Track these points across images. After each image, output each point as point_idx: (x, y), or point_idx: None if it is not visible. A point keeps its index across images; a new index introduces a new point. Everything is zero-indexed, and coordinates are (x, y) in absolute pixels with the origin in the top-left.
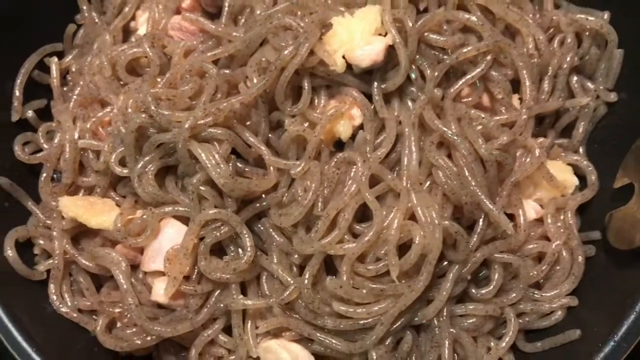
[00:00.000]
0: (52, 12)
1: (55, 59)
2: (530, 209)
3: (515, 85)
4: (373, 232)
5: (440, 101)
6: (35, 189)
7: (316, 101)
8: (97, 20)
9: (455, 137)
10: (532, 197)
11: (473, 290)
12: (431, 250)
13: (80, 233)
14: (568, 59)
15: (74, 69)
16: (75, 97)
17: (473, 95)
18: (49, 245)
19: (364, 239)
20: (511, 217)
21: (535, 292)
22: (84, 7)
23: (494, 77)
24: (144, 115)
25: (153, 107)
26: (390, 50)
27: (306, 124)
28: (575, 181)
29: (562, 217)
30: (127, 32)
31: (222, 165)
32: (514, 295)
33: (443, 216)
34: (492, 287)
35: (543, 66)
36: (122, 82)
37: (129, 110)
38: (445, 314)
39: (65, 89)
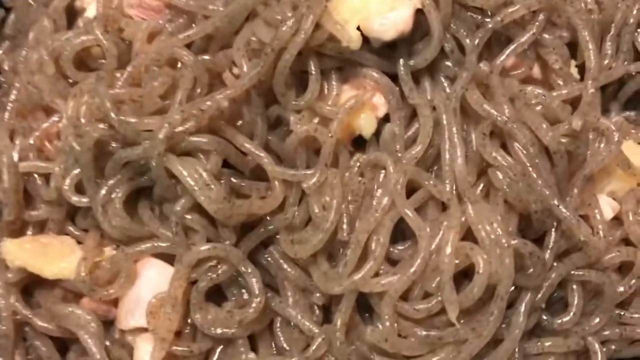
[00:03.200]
0: None
1: None
2: (605, 207)
3: (570, 49)
4: (420, 260)
5: (486, 77)
6: None
7: (326, 89)
8: (31, 1)
9: (512, 124)
10: (605, 191)
11: (546, 318)
12: (501, 281)
13: (32, 283)
14: (634, 11)
15: (6, 67)
16: (10, 104)
17: (523, 67)
18: None
19: (409, 271)
20: (583, 218)
21: (622, 312)
22: None
23: (547, 42)
24: (102, 126)
25: (113, 115)
26: (418, 15)
27: (316, 120)
28: None
29: None
30: (71, 15)
31: (212, 186)
32: (598, 320)
33: (510, 233)
34: (572, 314)
35: (605, 23)
36: (70, 81)
37: (82, 120)
38: (517, 355)
39: None
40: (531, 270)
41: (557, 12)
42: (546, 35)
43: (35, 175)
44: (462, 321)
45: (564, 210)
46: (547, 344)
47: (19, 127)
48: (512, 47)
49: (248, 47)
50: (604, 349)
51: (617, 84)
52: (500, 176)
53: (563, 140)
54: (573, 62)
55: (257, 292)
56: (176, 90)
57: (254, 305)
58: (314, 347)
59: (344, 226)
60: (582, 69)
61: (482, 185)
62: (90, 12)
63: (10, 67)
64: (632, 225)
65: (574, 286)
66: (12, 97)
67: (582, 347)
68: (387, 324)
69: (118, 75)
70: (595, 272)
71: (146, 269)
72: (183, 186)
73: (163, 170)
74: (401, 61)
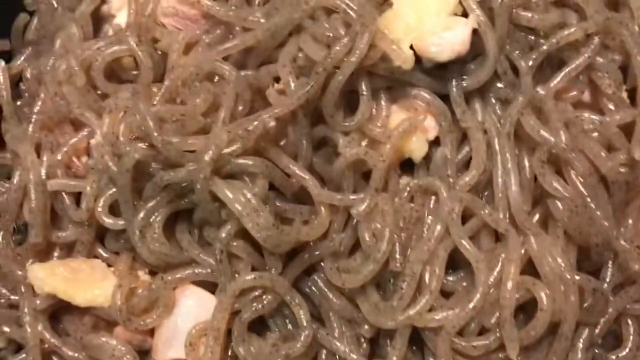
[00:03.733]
0: None
1: (1, 62)
2: None
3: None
4: (479, 295)
5: (540, 102)
6: None
7: (375, 109)
8: (55, 3)
9: (570, 153)
10: None
11: (598, 352)
12: (565, 320)
13: (60, 309)
14: None
15: (29, 75)
16: (35, 116)
17: (574, 90)
18: (17, 333)
19: (468, 306)
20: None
21: None
22: None
23: (600, 66)
24: (143, 146)
25: (156, 134)
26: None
27: (364, 142)
28: None
29: None
30: (97, 21)
31: (261, 212)
32: None
33: (573, 267)
34: (627, 349)
35: None
36: (99, 92)
37: (120, 138)
38: None
39: (19, 103)
40: (590, 304)
41: (612, 35)
42: (599, 59)
43: (64, 194)
44: (520, 358)
45: (623, 242)
46: None
47: (46, 142)
48: (567, 70)
49: (294, 63)
50: None
51: None
52: (561, 207)
53: (622, 170)
54: (623, 87)
55: (305, 324)
56: (219, 107)
57: (302, 338)
58: None
59: (397, 255)
60: (630, 93)
61: (537, 215)
62: (121, 18)
63: (33, 75)
64: None
65: (629, 320)
66: (37, 108)
67: None
68: None
69: (155, 89)
70: None
71: (185, 296)
72: (228, 211)
73: (208, 194)
74: (454, 82)
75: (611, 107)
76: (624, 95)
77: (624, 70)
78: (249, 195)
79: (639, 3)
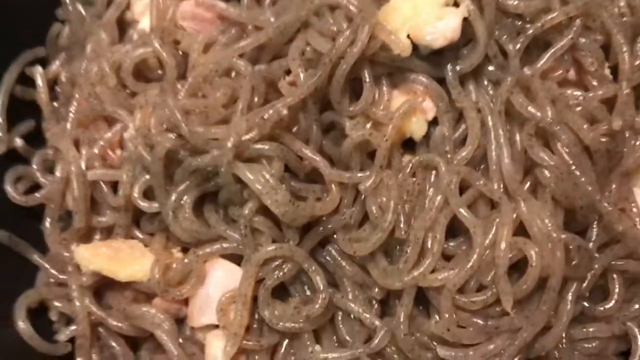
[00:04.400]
0: (27, 9)
1: (39, 68)
2: None
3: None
4: (476, 255)
5: (528, 81)
6: (36, 234)
7: (377, 94)
8: (84, 13)
9: (556, 126)
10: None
11: (588, 306)
12: (553, 274)
13: (102, 286)
14: None
15: (63, 79)
16: (72, 115)
17: (560, 69)
18: (68, 307)
19: (466, 266)
20: (621, 211)
21: None
22: (67, 0)
23: (583, 46)
24: (172, 136)
25: (184, 125)
26: (463, 22)
27: (369, 124)
28: None
29: None
30: (122, 25)
31: (278, 190)
32: (637, 306)
33: (560, 227)
34: (613, 301)
35: (636, 26)
36: (128, 91)
37: (152, 130)
38: (565, 341)
39: (55, 104)
40: (577, 262)
41: (592, 17)
42: (582, 39)
43: (102, 183)
44: (515, 310)
45: (606, 205)
46: (592, 329)
47: (83, 137)
48: (552, 51)
49: (303, 56)
50: None
51: None
52: (548, 174)
53: (603, 139)
54: (606, 64)
55: (322, 288)
56: (237, 99)
57: (319, 301)
58: (378, 339)
59: (401, 225)
60: (614, 70)
61: (528, 183)
62: (144, 23)
63: (67, 78)
64: None
65: (615, 275)
66: (73, 108)
67: (623, 333)
68: (447, 315)
69: (179, 86)
70: (634, 261)
71: (215, 269)
72: (249, 191)
73: (231, 177)
74: (449, 66)
75: (595, 83)
76: (607, 72)
77: (607, 49)
78: (267, 176)
79: None
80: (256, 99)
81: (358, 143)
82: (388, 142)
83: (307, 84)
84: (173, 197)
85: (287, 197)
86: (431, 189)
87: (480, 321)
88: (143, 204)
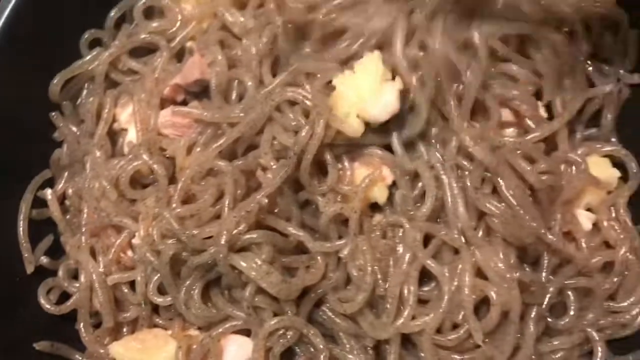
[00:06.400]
0: (28, 136)
1: (49, 191)
2: (584, 220)
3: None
4: (446, 301)
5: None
6: (72, 333)
7: (341, 171)
8: (78, 132)
9: (499, 176)
10: (581, 206)
11: (551, 321)
12: (512, 308)
13: None
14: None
15: (70, 193)
16: (84, 227)
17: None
18: None
19: (439, 311)
20: (567, 233)
21: (611, 304)
22: (61, 124)
23: (516, 97)
24: (173, 241)
25: (182, 233)
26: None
27: (339, 197)
28: (616, 174)
29: (613, 215)
30: (112, 135)
31: (271, 274)
32: (592, 315)
33: (512, 266)
34: (571, 314)
35: (561, 65)
36: (128, 198)
37: (155, 239)
38: (534, 357)
39: (68, 216)
40: (534, 289)
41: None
42: (514, 92)
43: (121, 284)
44: (486, 340)
45: (550, 236)
46: (556, 342)
47: (98, 248)
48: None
49: (272, 147)
50: (602, 335)
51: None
52: (496, 221)
53: (543, 177)
54: (540, 104)
55: (321, 347)
56: (222, 194)
57: (321, 358)
58: None
59: (380, 282)
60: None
61: (483, 226)
62: (131, 134)
63: (74, 192)
64: (607, 231)
65: (569, 292)
66: (84, 220)
67: (584, 339)
68: (429, 354)
69: (170, 189)
70: (584, 278)
71: (229, 344)
72: (246, 276)
73: (228, 267)
74: (394, 134)
75: (530, 124)
76: (542, 110)
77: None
78: (259, 262)
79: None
80: (239, 191)
81: (332, 217)
82: (357, 213)
83: (280, 174)
84: (183, 292)
85: (279, 278)
86: (400, 245)
87: (457, 356)
88: (158, 300)
